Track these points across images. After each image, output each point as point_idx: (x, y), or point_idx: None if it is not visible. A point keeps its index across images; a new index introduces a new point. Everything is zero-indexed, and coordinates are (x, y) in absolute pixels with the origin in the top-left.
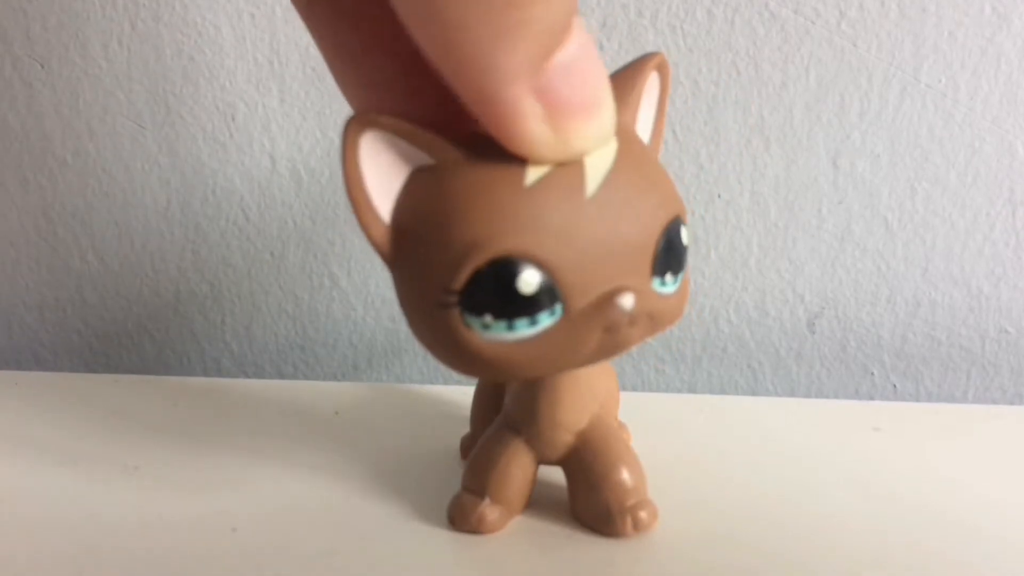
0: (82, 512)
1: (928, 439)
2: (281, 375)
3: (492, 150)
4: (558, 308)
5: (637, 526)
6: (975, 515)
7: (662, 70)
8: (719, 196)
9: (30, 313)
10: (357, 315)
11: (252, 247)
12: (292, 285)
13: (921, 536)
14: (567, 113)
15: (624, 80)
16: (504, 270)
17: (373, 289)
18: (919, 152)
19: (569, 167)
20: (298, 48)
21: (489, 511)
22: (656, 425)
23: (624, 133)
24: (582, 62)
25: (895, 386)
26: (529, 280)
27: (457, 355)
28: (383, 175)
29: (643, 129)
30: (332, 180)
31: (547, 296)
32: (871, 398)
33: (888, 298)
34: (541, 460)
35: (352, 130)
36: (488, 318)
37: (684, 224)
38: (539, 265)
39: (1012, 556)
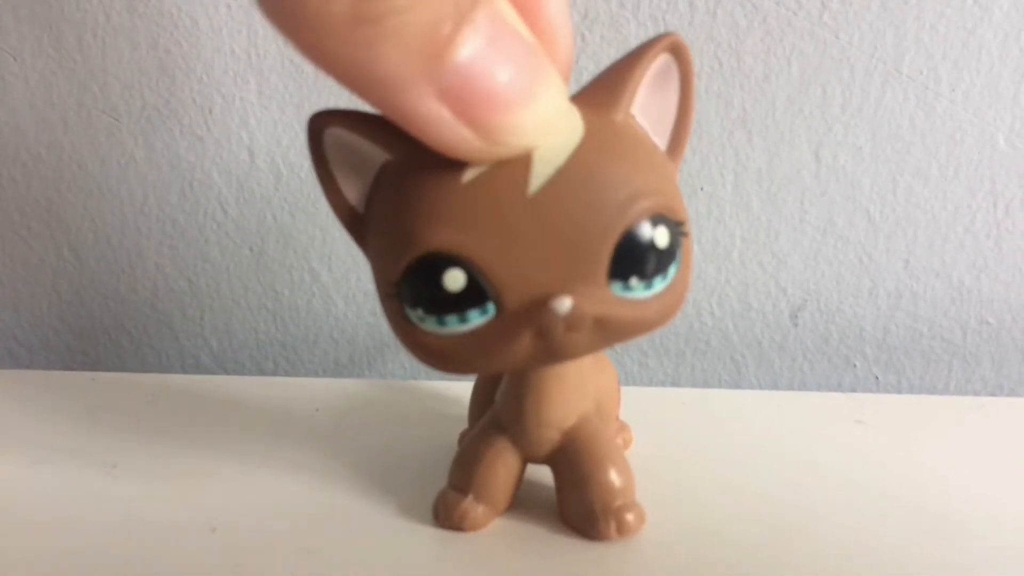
0: (60, 511)
1: (910, 431)
2: (261, 372)
3: None
4: (490, 307)
5: (621, 529)
6: (958, 506)
7: (678, 53)
8: (701, 189)
9: (5, 310)
10: (338, 311)
11: (231, 242)
12: (272, 280)
13: (905, 528)
14: (480, 111)
15: (618, 70)
16: (431, 267)
17: (354, 284)
18: (901, 144)
19: (514, 164)
20: (276, 40)
21: (472, 508)
22: (639, 419)
23: (599, 125)
24: (487, 58)
25: (877, 378)
26: (455, 278)
27: (405, 343)
28: (352, 168)
29: (657, 121)
30: (311, 174)
31: (477, 294)
32: (854, 390)
33: (870, 290)
34: (527, 458)
35: (314, 127)
36: (420, 312)
37: (668, 223)
38: (467, 264)
39: (994, 547)
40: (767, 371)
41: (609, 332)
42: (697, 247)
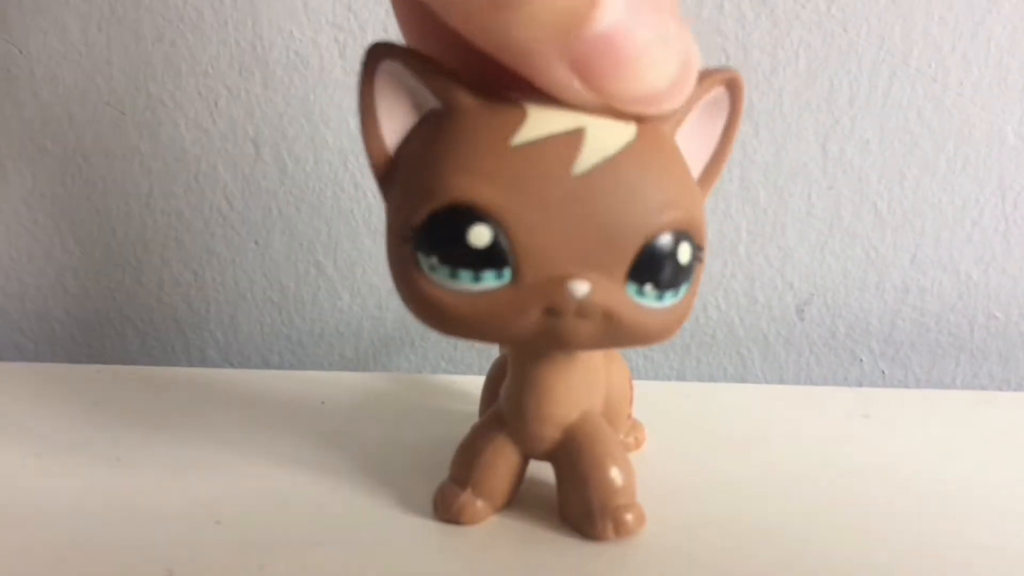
0: (64, 504)
1: (917, 425)
2: (267, 365)
3: (500, 102)
4: (507, 272)
5: (619, 530)
6: (965, 501)
7: (733, 89)
8: None
9: (10, 302)
10: (344, 303)
11: (236, 235)
12: (277, 273)
13: (911, 523)
14: (606, 81)
15: None
16: (459, 217)
17: (360, 277)
18: (908, 137)
19: (565, 141)
20: (281, 33)
21: (470, 502)
22: (644, 413)
23: (651, 132)
24: (621, 30)
25: (884, 372)
26: (481, 233)
27: (406, 292)
28: (396, 106)
29: (696, 148)
30: (317, 167)
31: (497, 256)
32: (860, 384)
33: (877, 284)
34: (527, 454)
35: (372, 55)
36: (434, 259)
37: (692, 243)
38: (497, 223)
39: (1001, 541)
40: (773, 365)
41: (613, 331)
42: None
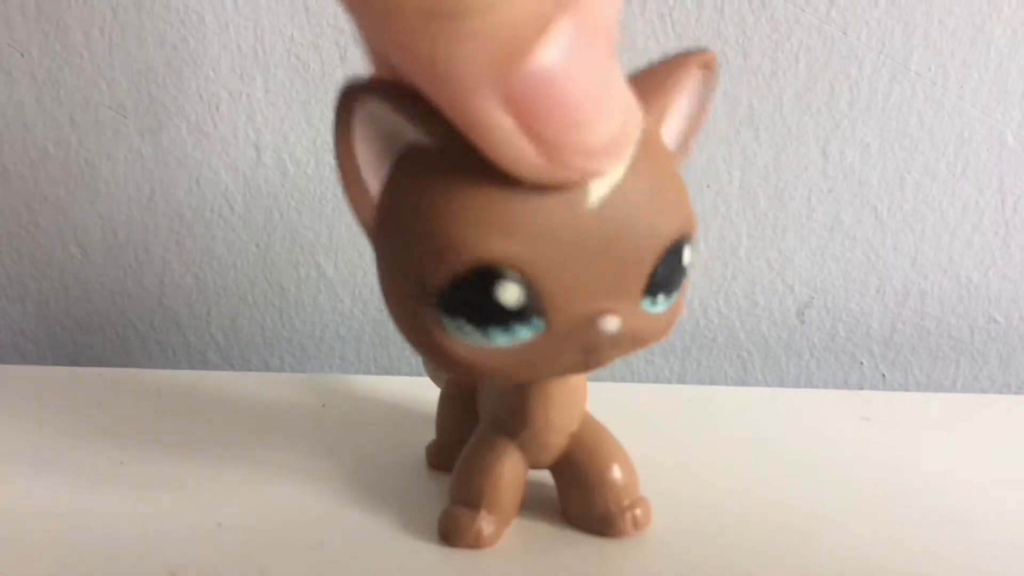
0: (66, 506)
1: (917, 428)
2: (268, 368)
3: None
4: (538, 322)
5: (636, 524)
6: (965, 504)
7: (708, 69)
8: (708, 186)
9: (12, 305)
10: (344, 307)
11: (237, 238)
12: (278, 277)
13: (911, 526)
14: (547, 126)
15: (654, 79)
16: (485, 279)
17: (360, 280)
18: (909, 141)
19: None
20: (283, 36)
21: (486, 525)
22: (645, 416)
23: (644, 140)
24: (564, 69)
25: (884, 376)
26: (510, 292)
27: (428, 349)
28: (376, 146)
29: (672, 131)
30: (318, 170)
31: (528, 309)
32: (860, 388)
33: (877, 288)
34: (533, 465)
35: (348, 96)
36: (463, 322)
37: (690, 243)
38: (524, 277)
39: (1001, 544)
40: (774, 368)
41: (638, 346)
42: (704, 244)
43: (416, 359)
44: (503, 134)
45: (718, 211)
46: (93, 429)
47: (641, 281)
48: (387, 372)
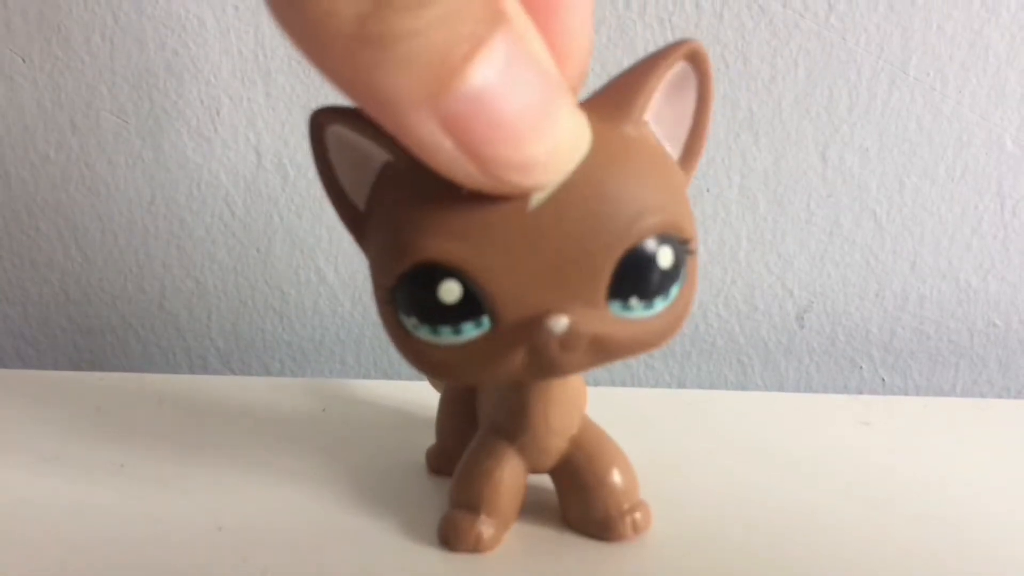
0: (67, 510)
1: (917, 433)
2: (268, 372)
3: None
4: (485, 320)
5: (636, 528)
6: (964, 509)
7: (696, 60)
8: (707, 190)
9: (13, 309)
10: (344, 311)
11: (238, 242)
12: (279, 281)
13: (910, 530)
14: (483, 145)
15: (632, 78)
16: (426, 277)
17: (361, 285)
18: (907, 146)
19: None
20: (283, 41)
21: (486, 528)
22: (645, 420)
23: (609, 136)
24: (498, 89)
25: (884, 380)
26: (450, 289)
27: (400, 348)
28: (354, 166)
29: (671, 127)
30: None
31: (472, 307)
32: (860, 392)
33: (877, 292)
34: (533, 469)
35: (315, 124)
36: (414, 320)
37: (673, 243)
38: (464, 276)
39: (1001, 549)
40: (773, 373)
41: (605, 352)
42: (703, 248)
43: None
44: (443, 153)
45: (717, 215)
46: (94, 433)
47: (600, 283)
48: (387, 376)
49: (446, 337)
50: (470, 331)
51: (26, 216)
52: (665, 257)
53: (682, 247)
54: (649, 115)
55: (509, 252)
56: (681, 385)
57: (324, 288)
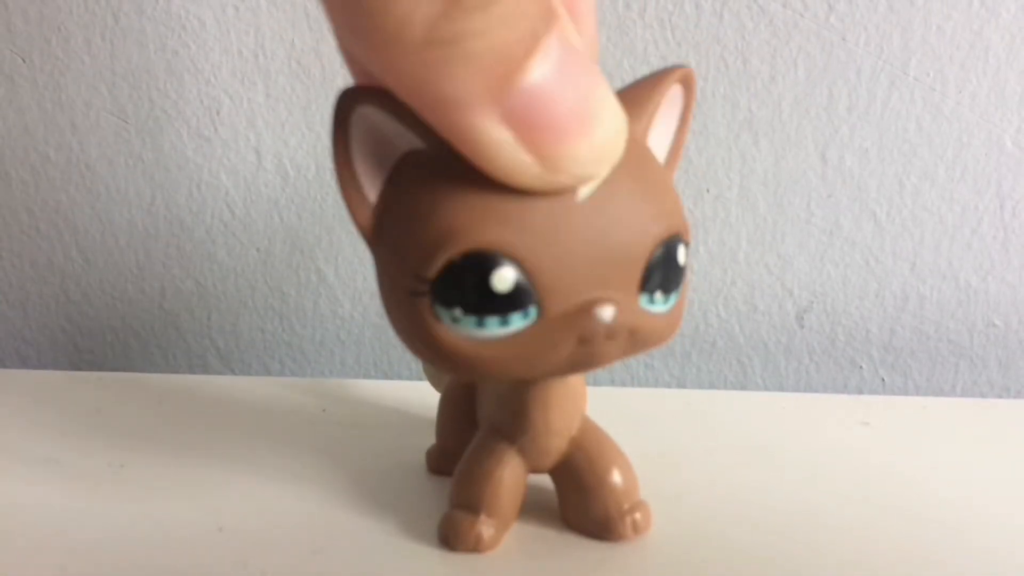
0: (67, 511)
1: (917, 433)
2: (268, 372)
3: None
4: (532, 311)
5: (636, 528)
6: (964, 509)
7: (687, 84)
8: (707, 190)
9: (13, 310)
10: (345, 311)
11: (238, 243)
12: (279, 281)
13: (910, 530)
14: (544, 137)
15: (641, 90)
16: (479, 264)
17: (361, 284)
18: (907, 146)
19: None
20: (283, 42)
21: (486, 529)
22: (645, 420)
23: (631, 145)
24: (555, 82)
25: (884, 380)
26: (504, 277)
27: (425, 345)
28: (373, 153)
29: (659, 143)
30: (319, 175)
31: (522, 297)
32: (860, 392)
33: (877, 292)
34: (533, 469)
35: (345, 103)
36: (458, 311)
37: (684, 243)
38: (517, 263)
39: (1000, 549)
40: (773, 373)
41: (637, 344)
42: (703, 249)
43: (416, 363)
44: (502, 148)
45: (717, 215)
46: (94, 433)
47: (635, 275)
48: (387, 376)
49: (491, 329)
50: (517, 322)
51: (26, 217)
52: (683, 254)
53: (687, 247)
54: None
55: (558, 242)
56: (681, 385)
57: (324, 288)
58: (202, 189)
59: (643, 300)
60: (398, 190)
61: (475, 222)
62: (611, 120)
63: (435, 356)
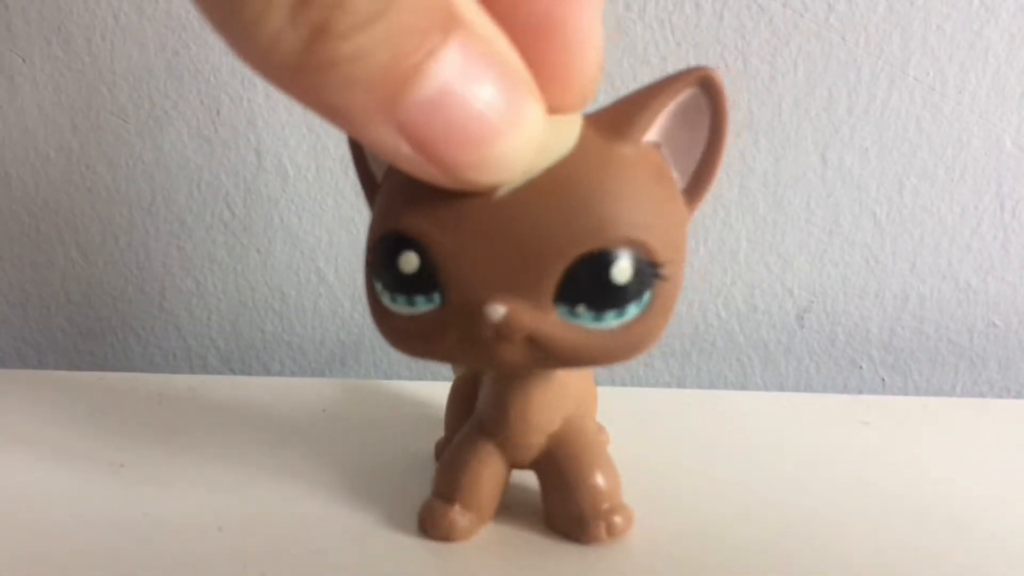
0: (67, 511)
1: (917, 433)
2: (268, 372)
3: None
4: (436, 296)
5: (611, 531)
6: (964, 509)
7: (708, 88)
8: None
9: (13, 310)
10: (344, 311)
11: (238, 243)
12: (279, 281)
13: (910, 530)
14: (441, 149)
15: (636, 99)
16: (391, 246)
17: (361, 285)
18: (907, 146)
19: None
20: None
21: (460, 518)
22: (645, 420)
23: (598, 151)
24: (454, 95)
25: (884, 380)
26: (409, 260)
27: (370, 308)
28: None
29: (682, 155)
30: (319, 175)
31: (426, 282)
32: (860, 392)
33: (877, 292)
34: (513, 464)
35: None
36: (380, 285)
37: (641, 263)
38: (422, 249)
39: (1000, 550)
40: (773, 372)
41: (544, 352)
42: (703, 249)
43: (415, 363)
44: (403, 158)
45: (717, 216)
46: (94, 433)
47: (548, 283)
48: (387, 376)
49: (401, 306)
50: (421, 304)
51: (26, 217)
52: (622, 272)
53: (650, 269)
54: (659, 137)
55: (468, 235)
56: (681, 385)
57: (324, 288)
58: (202, 189)
59: (561, 311)
60: (387, 175)
61: (399, 208)
62: (527, 129)
63: (375, 322)
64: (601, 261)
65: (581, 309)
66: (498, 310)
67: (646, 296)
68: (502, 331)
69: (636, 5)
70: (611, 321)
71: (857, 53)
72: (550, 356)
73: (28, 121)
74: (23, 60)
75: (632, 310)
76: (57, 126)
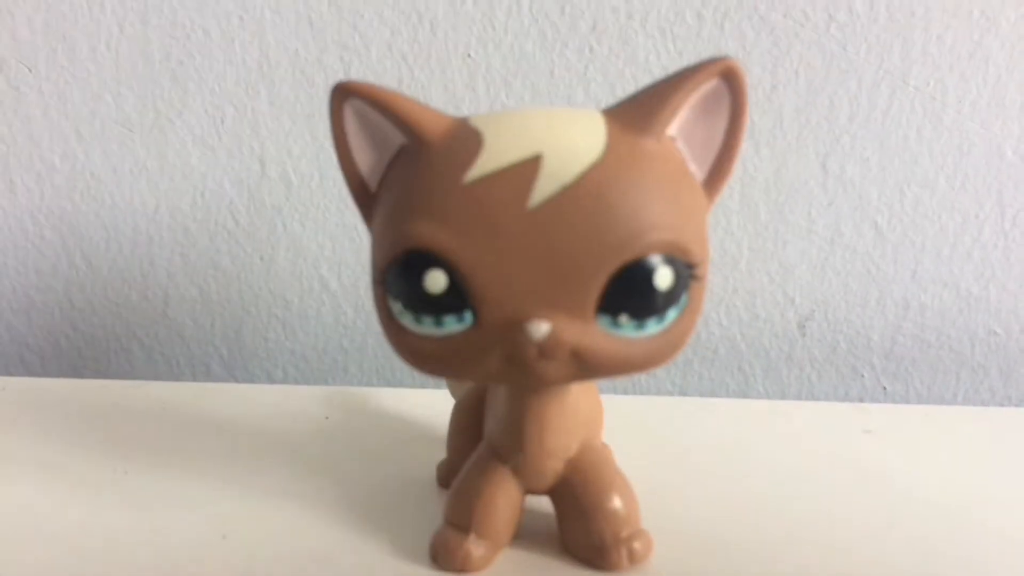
0: (70, 517)
1: (918, 441)
2: (271, 379)
3: (459, 131)
4: (467, 315)
5: (632, 558)
6: (966, 516)
7: (731, 78)
8: None
9: (17, 317)
10: (347, 319)
11: (242, 251)
12: (282, 289)
13: (912, 536)
14: None
15: (657, 90)
16: (414, 265)
17: (363, 292)
18: (908, 155)
19: (519, 171)
20: (287, 52)
21: (475, 548)
22: (647, 428)
23: (623, 147)
24: None
25: (885, 388)
26: (436, 279)
27: (385, 329)
28: (371, 145)
29: (700, 148)
30: (322, 184)
31: (456, 301)
32: (861, 400)
33: (878, 300)
34: (528, 490)
35: (336, 95)
36: (400, 305)
37: (679, 265)
38: (452, 267)
39: (1001, 556)
40: (775, 381)
41: (587, 366)
42: None
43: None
44: None
45: (719, 224)
46: (97, 440)
47: (590, 295)
48: (390, 384)
49: (427, 327)
50: (451, 325)
51: (31, 224)
52: (664, 278)
53: (687, 270)
54: (676, 131)
55: (500, 249)
56: (683, 393)
57: (327, 296)
58: (206, 197)
59: (603, 322)
60: (387, 182)
61: (417, 222)
62: None
63: (389, 342)
64: (644, 268)
65: (624, 319)
66: (541, 327)
67: (683, 298)
68: (546, 349)
69: (638, 15)
70: (652, 328)
71: (858, 63)
72: (594, 369)
73: (33, 129)
74: (29, 69)
75: (671, 314)
76: (62, 134)
